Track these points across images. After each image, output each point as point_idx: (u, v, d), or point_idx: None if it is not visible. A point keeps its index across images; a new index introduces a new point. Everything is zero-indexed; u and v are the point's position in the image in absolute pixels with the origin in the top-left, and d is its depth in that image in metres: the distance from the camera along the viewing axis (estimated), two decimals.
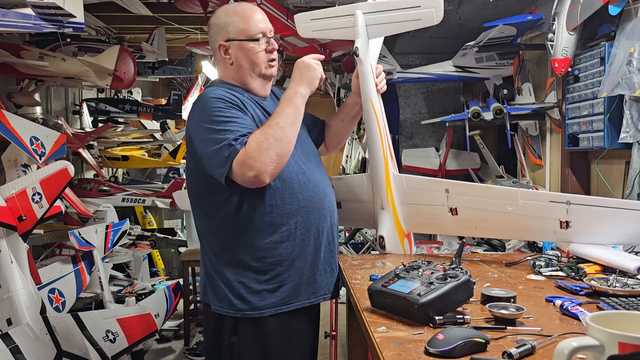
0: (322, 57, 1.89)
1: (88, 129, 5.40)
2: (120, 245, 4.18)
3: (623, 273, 1.64)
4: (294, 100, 1.75)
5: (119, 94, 6.01)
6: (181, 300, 4.15)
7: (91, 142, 5.06)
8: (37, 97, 4.26)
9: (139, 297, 3.98)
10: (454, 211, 2.11)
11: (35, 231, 2.93)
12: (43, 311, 2.62)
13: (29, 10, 2.50)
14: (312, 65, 1.80)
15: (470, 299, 1.44)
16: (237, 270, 1.75)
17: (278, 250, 1.75)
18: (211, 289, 1.82)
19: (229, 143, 1.64)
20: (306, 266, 1.79)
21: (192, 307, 4.44)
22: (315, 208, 1.81)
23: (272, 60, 1.86)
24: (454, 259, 1.73)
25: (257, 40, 1.81)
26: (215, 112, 1.69)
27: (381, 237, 2.25)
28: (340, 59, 5.15)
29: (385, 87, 2.09)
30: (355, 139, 5.90)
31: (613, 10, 2.43)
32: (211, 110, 1.70)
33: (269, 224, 1.74)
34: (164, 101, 6.29)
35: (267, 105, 1.88)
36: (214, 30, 1.87)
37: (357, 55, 2.01)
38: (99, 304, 3.63)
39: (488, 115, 3.62)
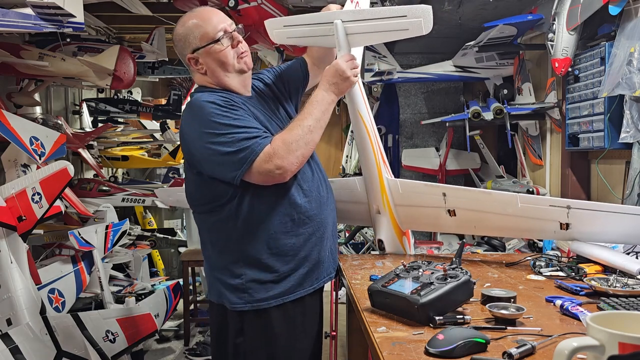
0: (359, 64, 1.87)
1: (88, 129, 5.39)
2: (120, 245, 4.17)
3: (623, 273, 1.64)
4: (324, 105, 1.76)
5: (118, 94, 6.00)
6: (181, 301, 4.15)
7: (91, 142, 5.05)
8: (37, 97, 4.25)
9: (139, 297, 3.97)
10: (451, 212, 2.10)
11: (35, 231, 2.92)
12: (43, 311, 2.61)
13: (29, 10, 2.50)
14: (350, 79, 1.80)
15: (471, 299, 1.44)
16: (242, 264, 1.75)
17: (282, 242, 1.75)
18: (215, 285, 1.83)
19: (245, 145, 1.62)
20: (312, 254, 1.79)
21: (192, 307, 4.44)
22: (315, 198, 1.82)
23: (242, 53, 1.81)
24: (454, 259, 1.73)
25: (219, 40, 1.76)
26: (216, 117, 1.65)
27: (380, 240, 2.25)
28: None
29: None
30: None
31: (613, 10, 2.43)
32: (211, 115, 1.66)
33: (272, 217, 1.74)
34: (163, 101, 6.28)
35: (255, 101, 1.85)
36: (179, 47, 1.82)
37: None
38: (99, 304, 3.63)
39: (488, 115, 3.62)
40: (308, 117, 1.72)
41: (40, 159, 3.05)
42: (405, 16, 1.76)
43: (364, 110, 2.06)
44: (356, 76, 1.83)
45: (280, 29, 2.02)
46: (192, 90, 1.91)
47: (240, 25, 1.85)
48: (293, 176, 1.75)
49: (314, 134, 1.71)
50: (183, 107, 5.82)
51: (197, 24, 1.77)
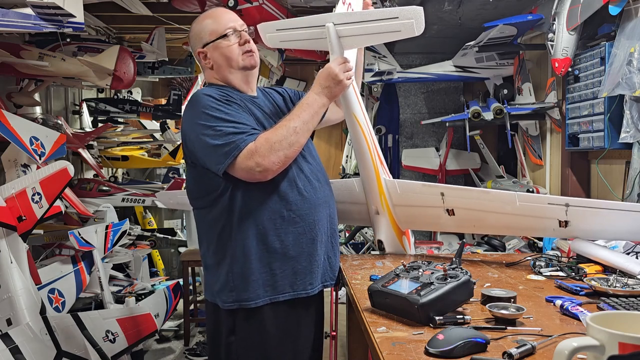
0: (352, 67, 1.86)
1: (88, 129, 5.39)
2: (120, 245, 4.17)
3: (623, 273, 1.64)
4: (315, 108, 1.75)
5: (118, 94, 6.01)
6: (181, 301, 4.15)
7: (91, 142, 5.05)
8: (37, 97, 4.26)
9: (139, 297, 3.98)
10: (450, 212, 2.10)
11: (35, 231, 2.92)
12: (43, 311, 2.61)
13: (29, 10, 2.50)
14: (343, 82, 1.79)
15: (471, 299, 1.44)
16: (231, 261, 1.75)
17: (270, 239, 1.74)
18: (209, 284, 1.83)
19: (231, 140, 1.65)
20: (302, 256, 1.78)
21: (192, 307, 4.44)
22: (310, 199, 1.81)
23: (248, 51, 1.85)
24: (454, 259, 1.73)
25: (226, 35, 1.83)
26: (210, 109, 1.70)
27: (380, 241, 2.25)
28: None
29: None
30: None
31: (613, 10, 2.43)
32: (205, 107, 1.71)
33: (261, 212, 1.74)
34: (163, 101, 6.28)
35: (259, 102, 1.88)
36: (192, 43, 1.91)
37: None
38: (99, 304, 3.63)
39: (488, 115, 3.62)
40: (295, 118, 1.72)
41: (40, 159, 3.05)
42: (397, 18, 1.76)
43: (359, 113, 2.05)
44: (349, 79, 1.82)
45: (273, 32, 2.02)
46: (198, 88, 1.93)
47: (251, 28, 1.90)
48: (288, 171, 1.76)
49: (299, 136, 1.70)
50: (183, 107, 5.83)
51: (209, 22, 1.87)
